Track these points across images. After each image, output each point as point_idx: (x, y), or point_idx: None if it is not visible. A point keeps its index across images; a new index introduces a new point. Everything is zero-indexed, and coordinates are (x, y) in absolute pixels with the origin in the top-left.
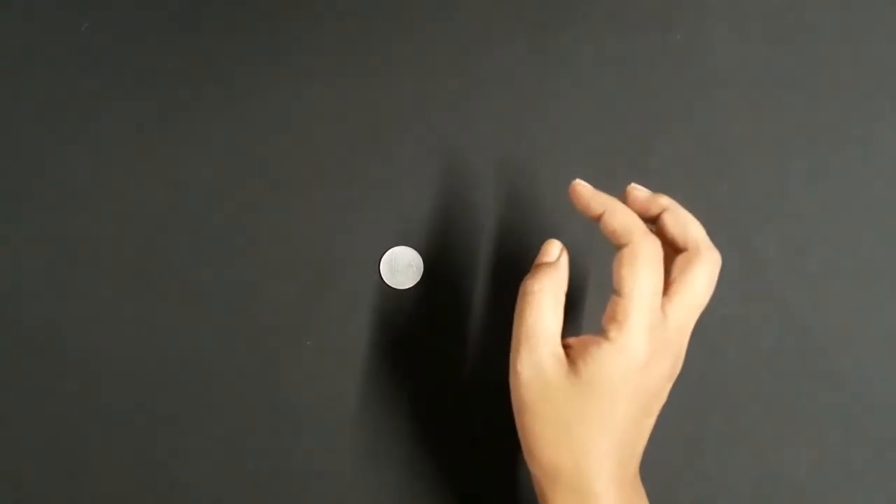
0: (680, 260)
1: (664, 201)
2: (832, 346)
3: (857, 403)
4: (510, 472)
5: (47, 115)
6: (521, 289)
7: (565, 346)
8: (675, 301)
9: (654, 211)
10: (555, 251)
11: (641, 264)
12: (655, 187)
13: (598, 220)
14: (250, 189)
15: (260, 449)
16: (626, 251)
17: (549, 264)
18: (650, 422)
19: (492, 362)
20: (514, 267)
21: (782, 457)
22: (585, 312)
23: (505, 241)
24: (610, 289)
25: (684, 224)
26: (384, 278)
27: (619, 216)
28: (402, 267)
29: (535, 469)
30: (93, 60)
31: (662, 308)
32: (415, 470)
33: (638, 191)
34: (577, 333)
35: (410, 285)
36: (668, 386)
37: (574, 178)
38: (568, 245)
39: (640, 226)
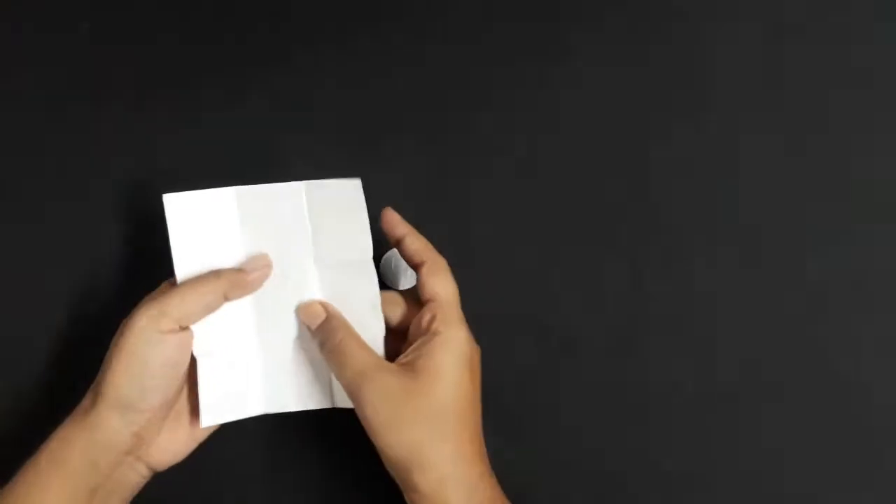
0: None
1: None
2: (832, 347)
3: (857, 404)
4: (511, 465)
5: (47, 115)
6: (323, 352)
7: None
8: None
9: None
10: (318, 311)
11: (445, 273)
12: (656, 187)
13: (399, 240)
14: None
15: (259, 449)
16: (429, 265)
17: (325, 321)
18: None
19: (491, 362)
20: (514, 266)
21: (782, 457)
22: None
23: (505, 240)
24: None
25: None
26: (383, 278)
27: (417, 239)
28: (402, 267)
29: (425, 477)
30: (93, 60)
31: None
32: None
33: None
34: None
35: (410, 285)
36: (479, 373)
37: (574, 177)
38: (571, 241)
39: (431, 246)
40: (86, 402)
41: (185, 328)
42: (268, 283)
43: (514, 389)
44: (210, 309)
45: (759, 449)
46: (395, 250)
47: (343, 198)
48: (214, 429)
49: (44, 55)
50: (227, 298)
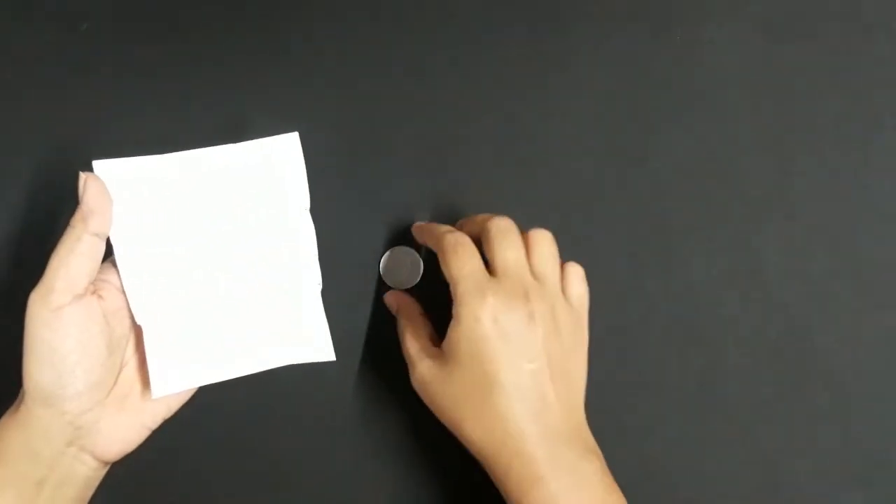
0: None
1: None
2: (832, 347)
3: (857, 404)
4: None
5: (47, 114)
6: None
7: None
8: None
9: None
10: (391, 302)
11: (448, 255)
12: (655, 188)
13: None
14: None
15: (259, 449)
16: (438, 252)
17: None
18: (536, 366)
19: None
20: None
21: (782, 457)
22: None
23: None
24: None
25: (470, 224)
26: (384, 278)
27: (424, 234)
28: (402, 267)
29: (476, 455)
30: (93, 60)
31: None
32: (414, 468)
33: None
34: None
35: (410, 285)
36: (533, 327)
37: (574, 177)
38: (571, 241)
39: (441, 229)
40: (19, 397)
41: (80, 296)
42: (206, 246)
43: None
44: (91, 258)
45: (759, 448)
46: (395, 249)
47: (281, 154)
48: (166, 416)
49: (44, 55)
50: (97, 235)
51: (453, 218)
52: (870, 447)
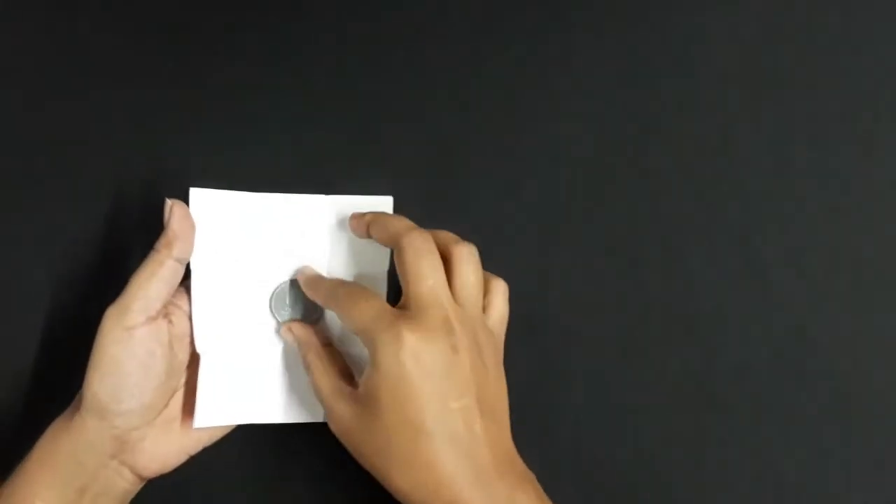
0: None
1: (368, 217)
2: (832, 347)
3: (856, 404)
4: None
5: (46, 114)
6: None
7: None
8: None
9: (363, 231)
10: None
11: (345, 307)
12: (655, 187)
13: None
14: (248, 189)
15: (259, 446)
16: (334, 307)
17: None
18: (464, 403)
19: None
20: (515, 266)
21: (781, 457)
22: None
23: (505, 240)
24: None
25: (384, 227)
26: (275, 312)
27: (311, 289)
28: (299, 300)
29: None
30: (93, 60)
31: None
32: None
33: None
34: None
35: (312, 319)
36: (458, 360)
37: (574, 177)
38: (570, 241)
39: (326, 282)
40: (74, 403)
41: (153, 318)
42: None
43: (512, 390)
44: (170, 283)
45: (758, 448)
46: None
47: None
48: (207, 443)
49: (44, 55)
50: (179, 261)
51: (452, 221)
52: (870, 447)
